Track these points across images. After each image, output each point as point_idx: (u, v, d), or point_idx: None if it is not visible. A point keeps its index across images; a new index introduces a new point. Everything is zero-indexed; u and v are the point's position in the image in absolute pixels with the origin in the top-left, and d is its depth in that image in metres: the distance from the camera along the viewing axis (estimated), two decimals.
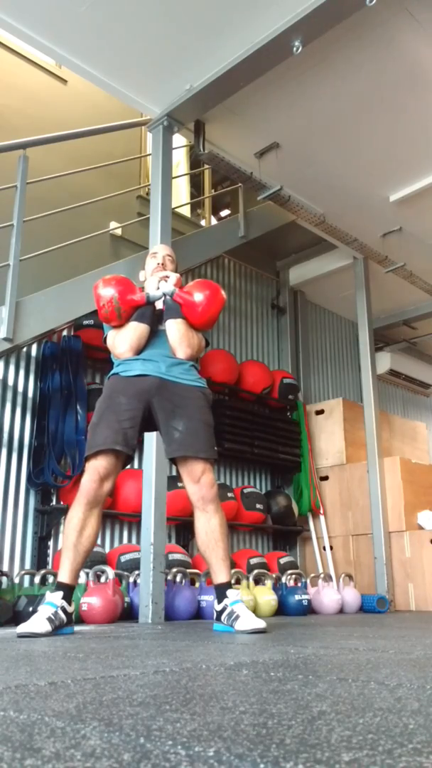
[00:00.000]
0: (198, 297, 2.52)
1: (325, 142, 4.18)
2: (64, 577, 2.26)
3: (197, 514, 2.38)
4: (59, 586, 2.25)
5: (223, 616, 2.32)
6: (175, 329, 2.51)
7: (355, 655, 1.51)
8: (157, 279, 2.65)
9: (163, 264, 2.73)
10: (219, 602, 2.36)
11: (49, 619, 2.16)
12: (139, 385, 2.43)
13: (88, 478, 2.31)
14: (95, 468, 2.32)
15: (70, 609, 2.25)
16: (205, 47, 3.43)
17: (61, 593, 2.23)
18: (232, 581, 2.45)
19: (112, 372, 2.55)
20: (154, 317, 2.55)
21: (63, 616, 2.21)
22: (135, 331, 2.49)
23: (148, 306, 2.53)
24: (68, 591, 2.25)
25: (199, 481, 2.36)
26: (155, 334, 2.55)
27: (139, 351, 2.50)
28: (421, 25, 3.30)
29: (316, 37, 3.26)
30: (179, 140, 5.03)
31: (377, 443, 5.04)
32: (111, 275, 2.59)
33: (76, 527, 2.27)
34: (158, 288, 2.60)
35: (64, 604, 2.22)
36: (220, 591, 2.37)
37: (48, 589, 2.74)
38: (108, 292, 2.46)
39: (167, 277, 2.63)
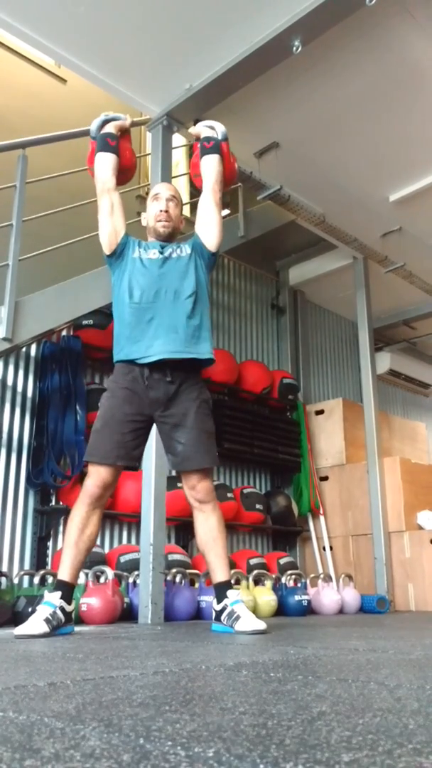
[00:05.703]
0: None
1: (325, 142, 4.18)
2: (64, 575, 2.25)
3: (195, 514, 2.41)
4: (59, 585, 2.25)
5: (223, 617, 2.31)
6: (216, 163, 2.58)
7: (355, 656, 1.51)
8: (205, 126, 2.70)
9: (166, 210, 2.61)
10: (219, 602, 2.35)
11: (47, 620, 2.15)
12: (145, 399, 2.37)
13: (92, 482, 2.30)
14: (99, 474, 2.31)
15: (69, 608, 2.24)
16: (205, 47, 3.43)
17: (59, 593, 2.23)
18: (232, 581, 2.45)
19: (116, 359, 2.43)
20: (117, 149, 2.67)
21: (61, 615, 2.20)
22: (99, 161, 2.65)
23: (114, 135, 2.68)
24: (67, 590, 2.25)
25: (195, 488, 2.38)
26: (157, 282, 2.46)
27: (111, 183, 2.69)
28: (421, 25, 3.30)
29: (316, 37, 3.26)
30: (179, 140, 5.03)
31: (377, 443, 5.04)
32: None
33: (78, 525, 2.28)
34: (212, 128, 2.64)
35: (63, 603, 2.22)
36: (220, 590, 2.36)
37: (47, 590, 2.74)
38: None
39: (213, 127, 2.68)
